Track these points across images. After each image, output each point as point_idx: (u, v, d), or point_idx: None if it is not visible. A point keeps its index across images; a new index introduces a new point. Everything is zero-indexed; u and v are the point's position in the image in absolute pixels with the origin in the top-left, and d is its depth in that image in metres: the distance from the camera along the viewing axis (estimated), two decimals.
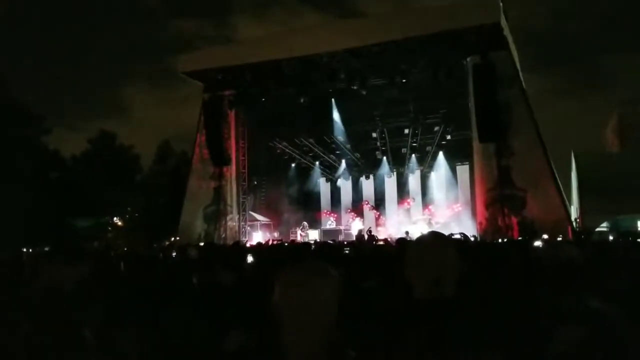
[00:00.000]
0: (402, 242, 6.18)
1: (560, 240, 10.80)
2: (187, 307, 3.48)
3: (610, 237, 12.41)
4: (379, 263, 3.98)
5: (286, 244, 10.47)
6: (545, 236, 13.01)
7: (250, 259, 5.44)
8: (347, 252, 7.23)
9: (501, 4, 15.80)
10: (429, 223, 22.22)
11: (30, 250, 15.19)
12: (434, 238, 2.01)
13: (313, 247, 7.20)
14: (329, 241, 14.59)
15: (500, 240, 12.84)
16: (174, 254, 7.36)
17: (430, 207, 25.17)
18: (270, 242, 15.90)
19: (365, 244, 14.04)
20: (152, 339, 3.01)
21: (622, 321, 2.52)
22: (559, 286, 3.39)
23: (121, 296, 3.36)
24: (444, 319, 1.71)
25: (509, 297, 2.88)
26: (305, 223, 24.32)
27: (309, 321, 1.43)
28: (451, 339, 1.70)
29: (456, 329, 1.73)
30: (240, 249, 5.78)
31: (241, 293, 3.77)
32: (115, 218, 34.07)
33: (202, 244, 14.68)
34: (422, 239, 2.05)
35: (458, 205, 23.62)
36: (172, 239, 20.24)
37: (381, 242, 14.11)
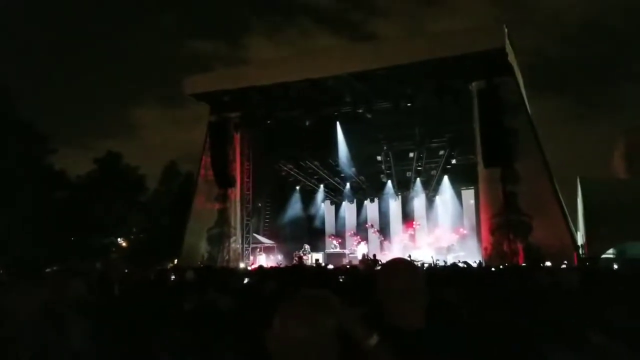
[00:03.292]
0: (374, 264, 6.04)
1: (561, 268, 10.65)
2: (179, 332, 3.41)
3: (615, 266, 12.20)
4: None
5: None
6: (548, 263, 12.81)
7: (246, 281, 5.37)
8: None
9: (506, 30, 15.92)
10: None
11: None
12: (401, 266, 1.90)
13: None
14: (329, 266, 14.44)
15: (501, 267, 12.63)
16: (172, 276, 7.30)
17: (435, 231, 25.00)
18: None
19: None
20: None
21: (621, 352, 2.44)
22: (557, 314, 3.32)
23: (112, 320, 3.29)
24: (413, 351, 1.63)
25: (505, 324, 2.80)
26: (306, 246, 23.96)
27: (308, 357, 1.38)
28: None
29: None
30: (239, 273, 5.72)
31: (237, 318, 3.71)
32: (119, 238, 34.01)
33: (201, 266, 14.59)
34: (388, 266, 1.93)
35: (463, 229, 23.43)
36: (175, 260, 20.13)
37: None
